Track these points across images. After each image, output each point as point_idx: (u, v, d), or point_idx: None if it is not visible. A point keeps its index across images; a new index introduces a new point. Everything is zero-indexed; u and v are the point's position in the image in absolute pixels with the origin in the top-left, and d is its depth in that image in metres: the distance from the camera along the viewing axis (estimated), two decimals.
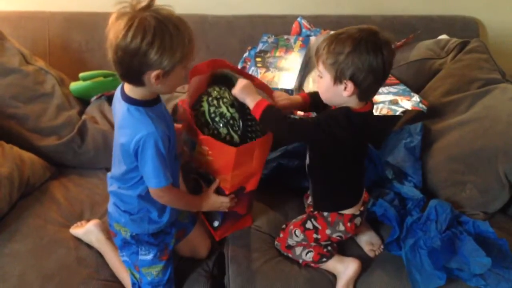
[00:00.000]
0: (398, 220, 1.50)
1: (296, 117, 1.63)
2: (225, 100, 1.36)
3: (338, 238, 1.46)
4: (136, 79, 1.13)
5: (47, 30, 2.10)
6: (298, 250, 1.49)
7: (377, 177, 1.70)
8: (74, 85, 1.95)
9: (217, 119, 1.35)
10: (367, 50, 1.19)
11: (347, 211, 1.43)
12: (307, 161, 1.44)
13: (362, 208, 1.45)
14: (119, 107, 1.23)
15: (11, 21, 2.08)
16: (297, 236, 1.49)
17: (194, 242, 1.54)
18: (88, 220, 1.58)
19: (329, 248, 1.48)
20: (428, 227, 1.42)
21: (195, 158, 1.42)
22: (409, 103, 1.77)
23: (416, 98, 1.79)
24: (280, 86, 1.83)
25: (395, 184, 1.65)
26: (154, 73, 1.10)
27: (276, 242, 1.54)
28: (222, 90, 1.39)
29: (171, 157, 1.28)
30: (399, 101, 1.77)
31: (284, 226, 1.55)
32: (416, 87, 1.91)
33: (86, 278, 1.43)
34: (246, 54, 2.10)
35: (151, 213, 1.34)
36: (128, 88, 1.19)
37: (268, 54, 1.99)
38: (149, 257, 1.39)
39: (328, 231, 1.45)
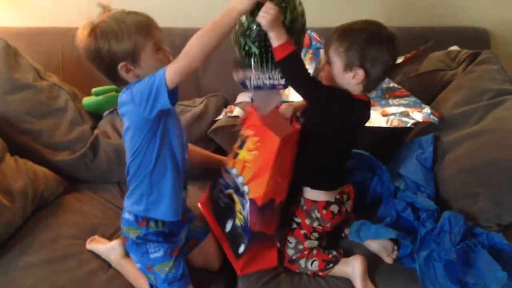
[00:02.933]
0: (402, 235, 1.48)
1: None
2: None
3: (320, 228, 1.48)
4: (115, 77, 1.26)
5: (61, 45, 2.13)
6: (302, 262, 1.48)
7: (384, 191, 1.70)
8: (86, 100, 1.98)
9: (236, 28, 1.33)
10: (380, 42, 1.29)
11: (321, 198, 1.46)
12: None
13: (338, 196, 1.48)
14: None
15: (25, 38, 2.11)
16: (290, 242, 1.50)
17: (206, 252, 1.55)
18: (101, 235, 1.59)
19: (334, 253, 1.48)
20: (442, 238, 1.40)
21: (239, 162, 1.44)
22: (420, 114, 1.76)
23: (427, 109, 1.79)
24: (290, 99, 1.84)
25: (408, 194, 1.64)
26: (120, 65, 1.22)
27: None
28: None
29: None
30: (410, 113, 1.77)
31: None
32: (427, 99, 1.90)
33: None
34: None
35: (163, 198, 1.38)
36: None
37: None
38: (160, 254, 1.40)
39: (307, 221, 1.48)
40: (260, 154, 1.39)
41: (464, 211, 1.55)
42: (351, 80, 1.33)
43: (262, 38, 1.30)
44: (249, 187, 1.42)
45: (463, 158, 1.63)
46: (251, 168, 1.41)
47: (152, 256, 1.40)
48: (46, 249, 1.53)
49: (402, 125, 1.72)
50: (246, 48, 1.34)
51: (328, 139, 1.42)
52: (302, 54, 2.02)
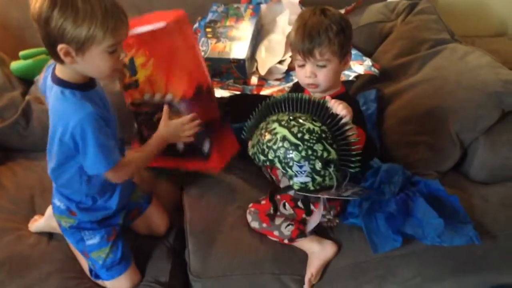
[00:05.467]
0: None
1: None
2: (302, 118, 1.25)
3: (325, 220, 1.46)
4: (53, 53, 1.08)
5: None
6: (278, 220, 1.44)
7: None
8: (15, 64, 1.87)
9: (306, 136, 1.22)
10: (347, 18, 1.36)
11: None
12: None
13: None
14: (50, 91, 1.17)
15: None
16: (285, 209, 1.46)
17: (151, 219, 1.51)
18: (41, 214, 1.52)
19: None
20: (382, 190, 1.43)
21: (146, 84, 1.37)
22: (361, 67, 1.77)
23: (368, 62, 1.80)
24: (232, 56, 1.80)
25: None
26: (61, 46, 1.05)
27: (251, 209, 1.47)
28: (289, 113, 1.28)
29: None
30: (352, 66, 1.77)
31: (263, 197, 1.51)
32: (368, 51, 1.91)
33: (39, 262, 1.39)
34: (196, 25, 2.04)
35: (97, 200, 1.32)
36: (59, 70, 1.15)
37: (219, 24, 1.94)
38: (96, 240, 1.35)
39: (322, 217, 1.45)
40: (155, 57, 1.31)
41: (405, 161, 1.58)
42: (344, 67, 1.39)
43: (337, 138, 1.24)
44: (171, 93, 1.35)
45: (403, 108, 1.67)
46: (160, 76, 1.34)
47: (88, 243, 1.35)
48: None
49: (344, 78, 1.72)
50: (325, 155, 1.22)
51: None
52: (242, 10, 1.97)
